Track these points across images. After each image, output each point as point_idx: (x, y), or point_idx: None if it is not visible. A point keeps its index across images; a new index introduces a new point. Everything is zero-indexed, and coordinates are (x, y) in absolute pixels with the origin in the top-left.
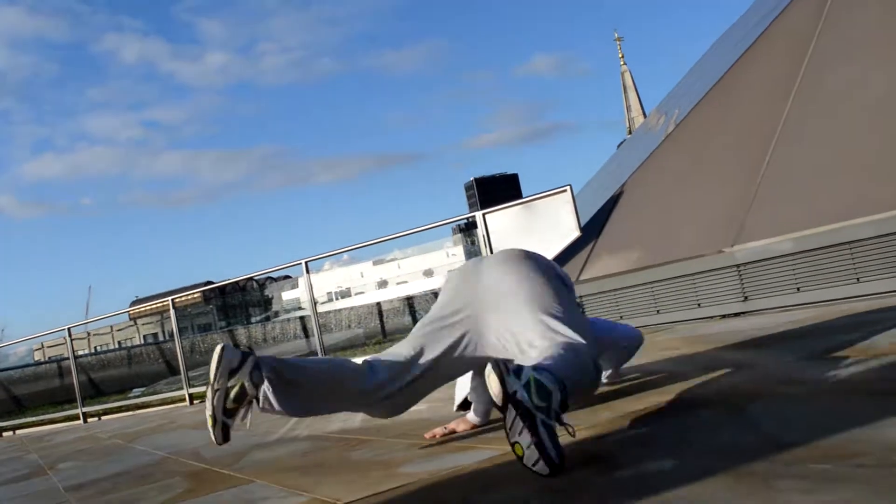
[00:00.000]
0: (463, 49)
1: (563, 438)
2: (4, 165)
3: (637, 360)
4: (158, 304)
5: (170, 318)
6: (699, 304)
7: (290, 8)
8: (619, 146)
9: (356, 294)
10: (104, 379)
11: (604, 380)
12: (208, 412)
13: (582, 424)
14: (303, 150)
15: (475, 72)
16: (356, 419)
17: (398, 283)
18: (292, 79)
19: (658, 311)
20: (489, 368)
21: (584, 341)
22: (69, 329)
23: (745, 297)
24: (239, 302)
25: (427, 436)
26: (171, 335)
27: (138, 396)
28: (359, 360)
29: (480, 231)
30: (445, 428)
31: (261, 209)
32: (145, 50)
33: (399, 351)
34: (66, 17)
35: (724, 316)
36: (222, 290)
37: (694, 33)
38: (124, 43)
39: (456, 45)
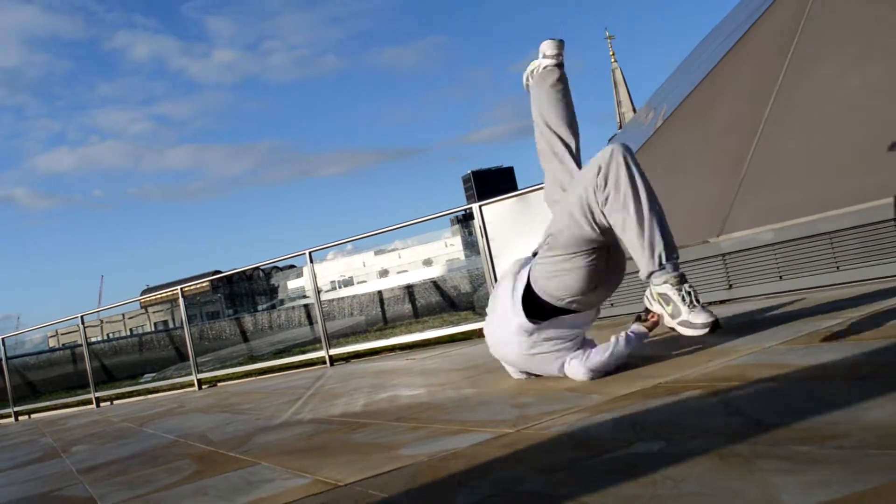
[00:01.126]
0: (461, 47)
1: (560, 421)
2: (19, 158)
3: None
4: (168, 293)
5: (179, 306)
6: None
7: (295, 6)
8: (609, 140)
9: (358, 283)
10: (116, 365)
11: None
12: None
13: (573, 408)
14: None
15: (473, 69)
16: (358, 404)
17: (399, 272)
18: (297, 75)
19: None
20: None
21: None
22: (82, 317)
23: (730, 285)
24: (246, 290)
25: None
26: (181, 323)
27: (149, 381)
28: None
29: (477, 222)
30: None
31: (267, 201)
32: (156, 47)
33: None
34: (81, 15)
35: (709, 303)
36: (230, 279)
37: (682, 32)
38: (136, 40)
39: (454, 42)
